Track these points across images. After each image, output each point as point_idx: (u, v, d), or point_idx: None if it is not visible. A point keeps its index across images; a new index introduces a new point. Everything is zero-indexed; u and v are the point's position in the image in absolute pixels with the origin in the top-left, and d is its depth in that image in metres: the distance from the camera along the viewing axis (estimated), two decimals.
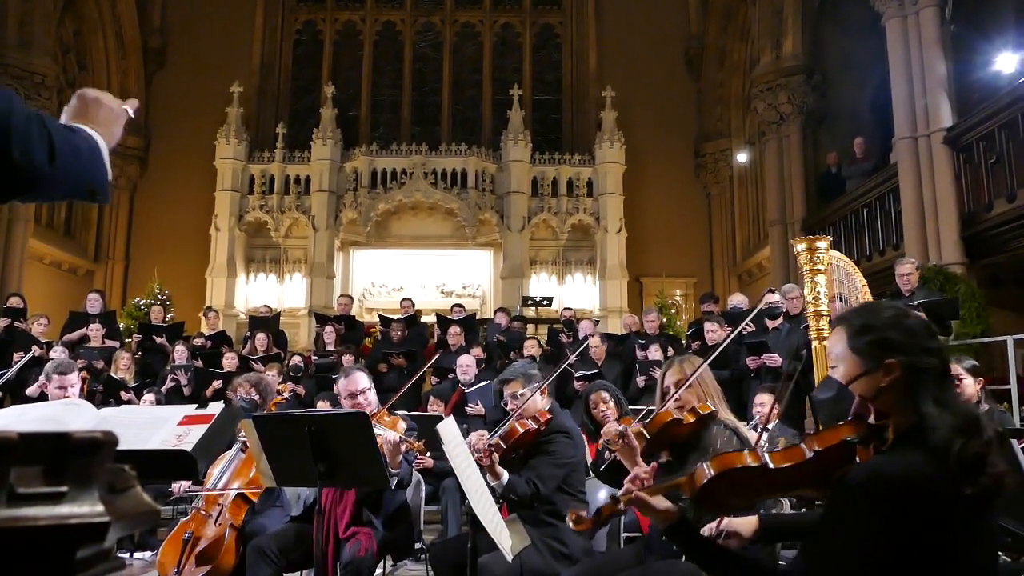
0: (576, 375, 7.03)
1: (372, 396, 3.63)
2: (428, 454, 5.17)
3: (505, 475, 3.07)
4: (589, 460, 4.15)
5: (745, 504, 1.74)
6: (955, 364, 4.29)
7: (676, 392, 2.64)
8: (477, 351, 7.84)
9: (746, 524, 2.02)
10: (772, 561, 2.52)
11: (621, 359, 7.83)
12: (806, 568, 1.48)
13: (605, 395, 4.30)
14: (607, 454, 2.65)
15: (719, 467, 1.57)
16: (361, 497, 3.37)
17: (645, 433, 2.52)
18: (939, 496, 1.37)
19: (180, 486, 4.04)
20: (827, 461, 1.52)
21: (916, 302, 6.11)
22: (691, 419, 2.57)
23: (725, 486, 1.57)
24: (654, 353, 7.18)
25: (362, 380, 3.62)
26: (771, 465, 1.54)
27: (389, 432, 3.18)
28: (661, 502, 1.65)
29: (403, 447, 3.17)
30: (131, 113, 1.39)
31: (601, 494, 3.69)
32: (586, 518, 1.69)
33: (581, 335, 8.41)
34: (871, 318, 1.60)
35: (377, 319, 10.14)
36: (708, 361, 2.73)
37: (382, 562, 3.65)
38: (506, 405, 3.44)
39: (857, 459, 1.51)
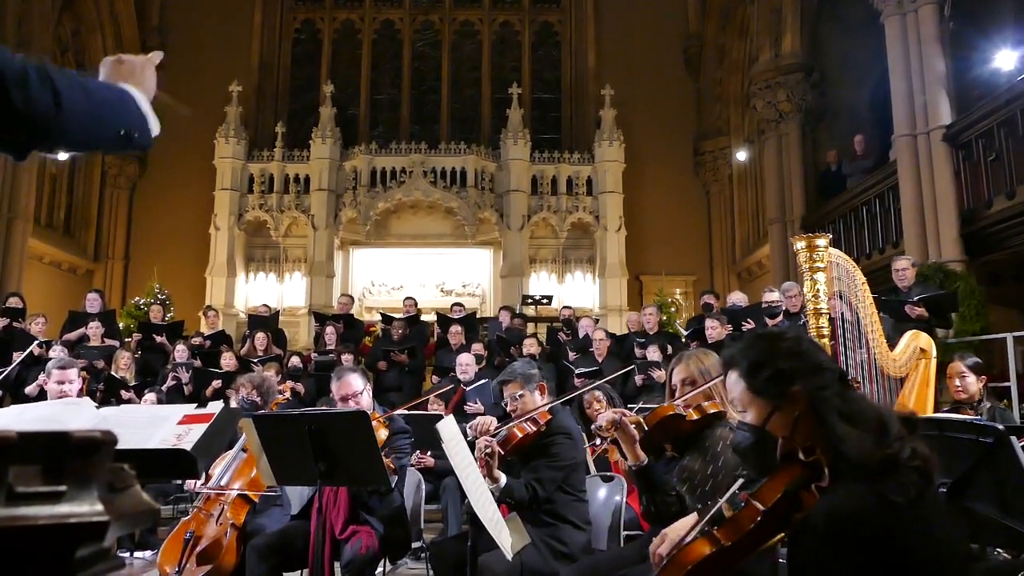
0: (576, 372, 7.03)
1: (365, 399, 3.59)
2: (416, 454, 5.17)
3: (503, 478, 3.04)
4: (590, 460, 4.16)
5: None
6: (958, 361, 4.29)
7: (685, 397, 2.57)
8: (477, 347, 7.86)
9: None
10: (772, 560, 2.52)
11: (620, 357, 7.83)
12: None
13: (598, 394, 4.33)
14: (598, 440, 2.61)
15: (681, 569, 1.53)
16: (353, 496, 3.36)
17: (644, 425, 2.50)
18: (889, 512, 1.36)
19: (195, 482, 3.97)
20: (776, 515, 1.49)
21: (915, 297, 6.12)
22: (695, 416, 2.54)
23: None
24: (652, 354, 7.18)
25: (354, 383, 3.57)
26: (726, 544, 1.51)
27: None
28: None
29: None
30: (156, 62, 1.39)
31: (601, 493, 3.68)
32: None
33: (582, 333, 8.41)
34: (759, 353, 1.59)
35: (378, 318, 10.15)
36: (718, 378, 2.64)
37: (381, 562, 3.65)
38: (506, 406, 3.42)
39: (804, 503, 1.48)
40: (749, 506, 1.52)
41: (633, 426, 2.48)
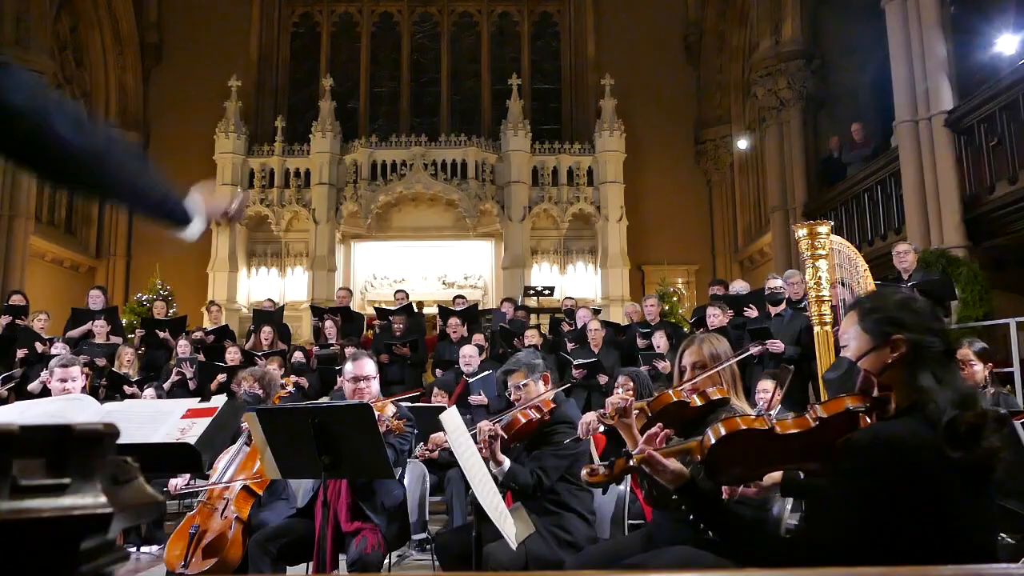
0: (574, 363, 7.03)
1: (375, 386, 3.63)
2: (420, 446, 5.20)
3: (507, 462, 3.06)
4: (593, 448, 4.16)
5: (751, 473, 1.79)
6: (967, 348, 4.28)
7: (694, 381, 2.58)
8: (478, 338, 7.87)
9: (769, 475, 2.06)
10: (776, 528, 2.53)
11: (620, 347, 7.82)
12: (811, 527, 1.58)
13: (624, 379, 4.42)
14: (601, 426, 2.63)
15: (728, 429, 1.62)
16: (354, 489, 3.38)
17: (647, 411, 2.50)
18: (935, 459, 1.43)
19: (176, 484, 3.98)
20: (831, 429, 1.57)
21: (911, 284, 6.10)
22: (699, 402, 2.53)
23: (733, 451, 1.62)
24: (659, 339, 7.18)
25: (369, 367, 3.62)
26: (777, 430, 1.60)
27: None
28: (673, 463, 1.72)
29: (383, 427, 3.16)
30: (237, 203, 1.61)
31: None
32: (600, 472, 1.76)
33: (579, 324, 8.41)
34: (880, 300, 1.70)
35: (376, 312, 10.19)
36: (736, 359, 2.65)
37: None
38: (510, 395, 3.43)
39: (859, 425, 1.58)
40: (811, 410, 1.62)
41: (636, 412, 2.48)
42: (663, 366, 6.80)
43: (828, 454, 1.57)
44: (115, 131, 1.28)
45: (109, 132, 1.26)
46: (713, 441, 1.62)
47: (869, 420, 1.58)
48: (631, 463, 1.79)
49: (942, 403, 1.48)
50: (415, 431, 3.82)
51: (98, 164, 1.24)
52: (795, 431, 1.59)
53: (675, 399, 2.51)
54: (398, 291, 10.10)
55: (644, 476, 2.62)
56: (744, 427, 1.61)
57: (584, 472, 1.88)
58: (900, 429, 1.49)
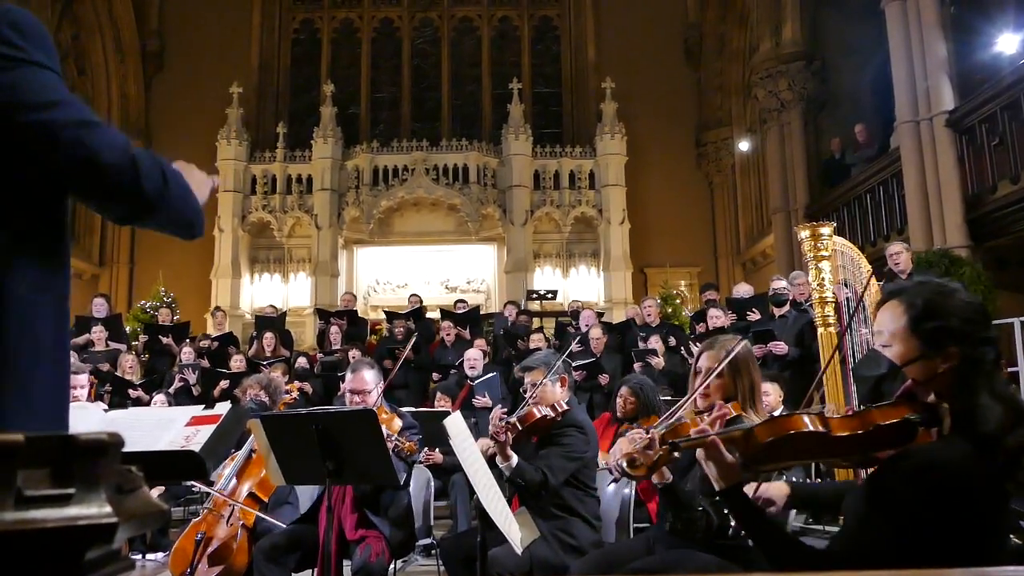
0: (574, 364, 7.03)
1: (372, 398, 3.57)
2: (424, 451, 5.20)
3: (515, 458, 3.07)
4: (600, 454, 4.16)
5: (787, 465, 1.71)
6: None
7: (704, 386, 2.55)
8: (480, 342, 7.88)
9: (779, 491, 1.99)
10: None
11: (621, 350, 7.83)
12: (847, 542, 1.52)
13: (628, 391, 4.45)
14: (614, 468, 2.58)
15: (781, 431, 1.54)
16: (359, 496, 3.37)
17: (658, 441, 2.46)
18: (985, 486, 1.39)
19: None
20: (883, 436, 1.51)
21: None
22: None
23: (779, 449, 1.55)
24: (653, 343, 7.21)
25: (366, 381, 3.55)
26: (832, 434, 1.53)
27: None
28: (731, 456, 1.59)
29: (392, 444, 3.15)
30: (215, 184, 1.60)
31: (610, 486, 3.69)
32: (641, 464, 1.69)
33: (582, 326, 8.41)
34: (938, 301, 1.54)
35: (382, 316, 10.20)
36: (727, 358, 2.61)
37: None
38: (525, 392, 3.45)
39: (917, 440, 1.51)
40: (867, 415, 1.53)
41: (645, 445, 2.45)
42: (656, 362, 6.84)
43: (864, 452, 1.53)
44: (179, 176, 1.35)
45: (179, 182, 1.33)
46: (770, 439, 1.54)
47: (928, 432, 1.51)
48: (675, 454, 1.70)
49: (997, 424, 1.41)
50: (419, 434, 3.82)
51: (166, 212, 1.32)
52: (848, 434, 1.52)
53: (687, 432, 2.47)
54: (412, 295, 10.13)
55: (668, 507, 2.58)
56: (801, 430, 1.53)
57: (622, 463, 1.78)
58: (952, 458, 1.42)
